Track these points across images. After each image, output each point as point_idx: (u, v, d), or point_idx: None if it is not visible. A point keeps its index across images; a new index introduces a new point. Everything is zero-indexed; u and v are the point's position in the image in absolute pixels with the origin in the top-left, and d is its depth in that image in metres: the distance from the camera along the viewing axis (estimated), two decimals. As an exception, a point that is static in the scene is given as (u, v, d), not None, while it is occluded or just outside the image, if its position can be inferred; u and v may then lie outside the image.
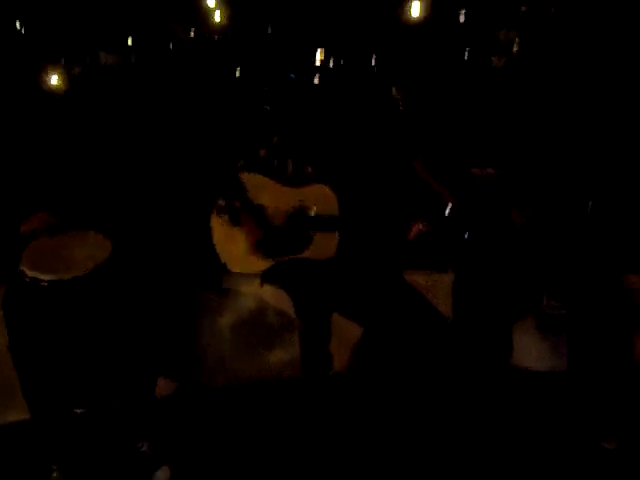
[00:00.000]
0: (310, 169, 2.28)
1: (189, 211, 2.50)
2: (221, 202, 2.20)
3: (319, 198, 2.21)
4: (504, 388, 2.36)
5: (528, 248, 2.16)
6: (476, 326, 2.26)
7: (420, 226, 2.07)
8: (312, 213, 2.21)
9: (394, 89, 3.26)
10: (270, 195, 2.23)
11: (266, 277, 2.36)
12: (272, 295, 2.42)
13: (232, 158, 2.25)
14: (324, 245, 2.21)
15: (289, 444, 2.20)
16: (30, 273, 1.79)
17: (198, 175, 2.37)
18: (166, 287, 2.38)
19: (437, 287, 2.40)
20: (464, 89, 2.74)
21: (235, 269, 2.29)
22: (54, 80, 2.95)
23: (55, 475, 2.00)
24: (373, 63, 3.76)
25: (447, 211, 2.16)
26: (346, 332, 2.43)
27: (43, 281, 1.78)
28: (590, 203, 2.05)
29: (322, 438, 2.21)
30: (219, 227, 2.25)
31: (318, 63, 5.05)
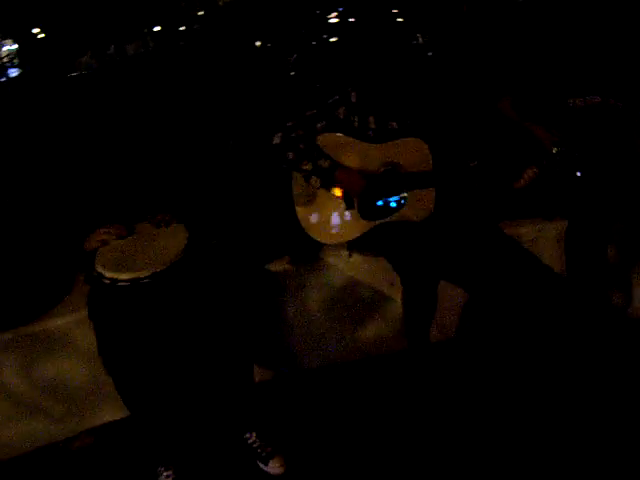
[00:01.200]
0: (395, 123, 2.07)
1: (267, 188, 2.34)
2: (307, 167, 2.02)
3: (409, 153, 2.02)
4: (625, 340, 2.17)
5: None
6: (594, 274, 2.07)
7: (531, 171, 1.86)
8: (404, 170, 2.01)
9: (419, 35, 3.04)
10: (356, 155, 2.04)
11: (353, 247, 2.20)
12: (362, 265, 2.26)
13: (310, 121, 2.06)
14: (420, 203, 2.02)
15: (398, 420, 2.05)
16: (108, 274, 1.70)
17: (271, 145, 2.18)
18: (248, 269, 2.24)
19: (543, 237, 2.21)
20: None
21: (326, 240, 2.13)
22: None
23: (165, 475, 1.90)
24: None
25: (554, 151, 1.94)
26: (449, 298, 2.26)
27: (123, 281, 1.68)
28: None
29: (432, 411, 2.06)
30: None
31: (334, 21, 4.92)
